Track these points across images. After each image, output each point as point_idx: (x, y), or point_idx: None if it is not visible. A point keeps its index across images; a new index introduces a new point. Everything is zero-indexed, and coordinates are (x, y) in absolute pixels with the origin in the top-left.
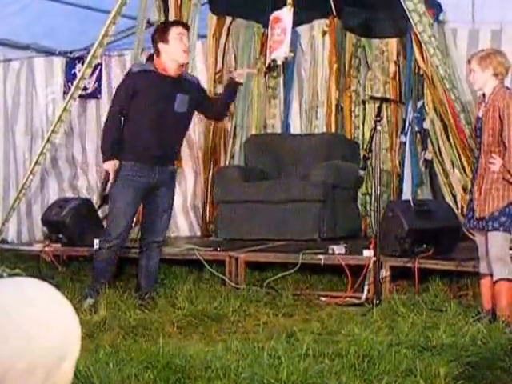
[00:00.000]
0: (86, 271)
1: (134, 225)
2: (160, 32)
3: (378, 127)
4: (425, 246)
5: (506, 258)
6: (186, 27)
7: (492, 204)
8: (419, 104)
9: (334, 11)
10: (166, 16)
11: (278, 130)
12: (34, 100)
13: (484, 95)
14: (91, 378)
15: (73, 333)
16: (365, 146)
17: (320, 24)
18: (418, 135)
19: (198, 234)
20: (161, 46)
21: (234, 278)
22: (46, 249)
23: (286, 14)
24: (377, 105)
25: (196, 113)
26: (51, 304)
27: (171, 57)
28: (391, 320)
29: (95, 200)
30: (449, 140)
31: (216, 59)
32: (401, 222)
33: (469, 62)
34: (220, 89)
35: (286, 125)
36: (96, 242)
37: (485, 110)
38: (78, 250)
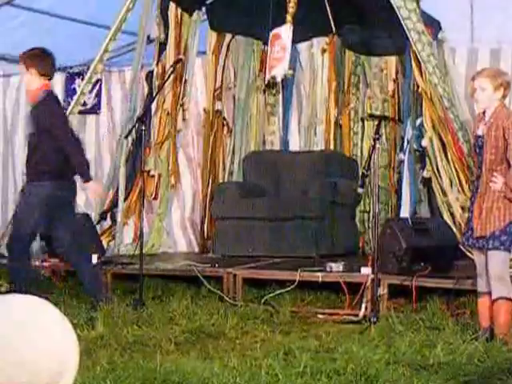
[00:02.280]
0: (83, 287)
1: (132, 241)
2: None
3: (377, 145)
4: (422, 263)
5: (505, 276)
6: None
7: (493, 223)
8: (418, 122)
9: (334, 29)
10: (166, 32)
11: (277, 147)
12: None
13: (484, 113)
14: None
15: (71, 350)
16: (363, 164)
17: (319, 41)
18: (417, 153)
19: (196, 250)
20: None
21: (231, 294)
22: (44, 264)
23: (285, 32)
24: (375, 122)
25: (194, 129)
26: (49, 322)
27: None
28: (389, 338)
29: (94, 215)
30: (447, 158)
31: (215, 76)
32: (399, 239)
33: (473, 79)
34: (219, 105)
35: (284, 142)
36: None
37: (486, 129)
38: None
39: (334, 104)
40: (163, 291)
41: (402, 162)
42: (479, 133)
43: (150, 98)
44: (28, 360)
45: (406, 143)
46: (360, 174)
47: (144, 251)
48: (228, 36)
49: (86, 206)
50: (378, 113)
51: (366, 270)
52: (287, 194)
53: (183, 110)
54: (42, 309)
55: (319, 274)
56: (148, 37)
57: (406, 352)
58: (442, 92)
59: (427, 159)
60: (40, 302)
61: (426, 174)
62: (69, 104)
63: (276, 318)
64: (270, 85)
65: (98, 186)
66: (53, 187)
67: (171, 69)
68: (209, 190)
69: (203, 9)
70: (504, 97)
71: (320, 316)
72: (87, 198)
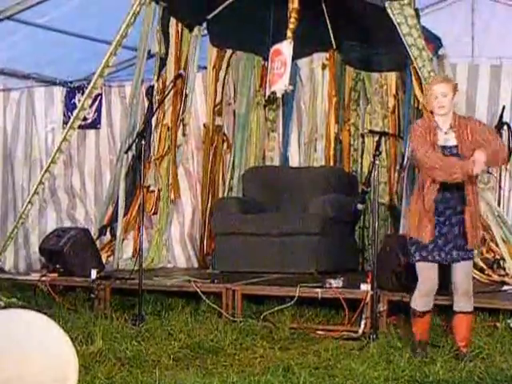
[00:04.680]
0: (82, 301)
1: (131, 256)
2: None
3: (377, 161)
4: None
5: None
6: None
7: (477, 237)
8: None
9: (334, 45)
10: (167, 47)
11: (277, 163)
12: (34, 129)
13: (436, 123)
14: None
15: (70, 364)
16: (363, 180)
17: (320, 57)
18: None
19: (196, 265)
20: None
21: (230, 310)
22: (43, 278)
23: (286, 47)
24: (376, 139)
25: (194, 143)
26: (48, 336)
27: None
28: (388, 354)
29: (93, 230)
30: None
31: (216, 91)
32: (398, 256)
33: (431, 85)
34: (219, 121)
35: (284, 157)
36: (93, 272)
37: (457, 136)
38: (76, 281)
39: (334, 120)
40: (162, 306)
41: (401, 178)
42: (449, 143)
43: (150, 112)
44: (28, 375)
45: (405, 159)
46: (360, 190)
47: (143, 266)
48: (228, 51)
49: (85, 221)
50: (378, 129)
51: (365, 287)
52: (287, 209)
53: (183, 125)
54: (41, 324)
55: (318, 290)
56: (148, 52)
57: (405, 369)
58: None
59: None
60: (39, 317)
61: None
62: (69, 118)
63: (275, 334)
64: (271, 100)
65: None
66: None
67: (171, 84)
68: (208, 205)
69: (204, 24)
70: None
71: (319, 332)
72: (87, 213)
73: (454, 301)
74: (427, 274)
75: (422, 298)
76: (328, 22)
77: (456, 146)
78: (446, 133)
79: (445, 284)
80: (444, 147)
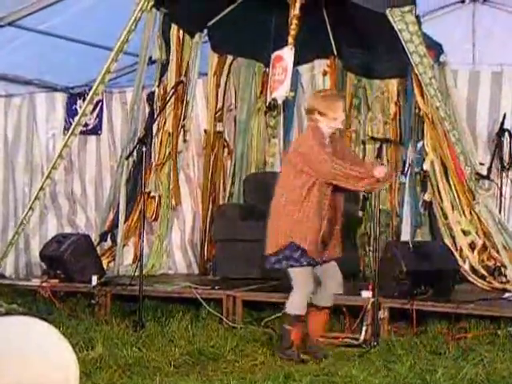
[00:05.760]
0: (83, 307)
1: (132, 262)
2: None
3: None
4: (423, 287)
5: None
6: None
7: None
8: (419, 145)
9: (335, 51)
10: (168, 54)
11: (278, 169)
12: (35, 135)
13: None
14: None
15: (71, 371)
16: None
17: (321, 64)
18: (418, 176)
19: (196, 271)
20: None
21: (231, 316)
22: (44, 284)
23: (287, 54)
24: (377, 145)
25: (195, 150)
26: (49, 343)
27: None
28: (389, 362)
29: (94, 236)
30: (448, 181)
31: (216, 97)
32: (399, 263)
33: (337, 99)
34: (220, 127)
35: None
36: (94, 278)
37: (333, 150)
38: (76, 287)
39: None
40: (163, 313)
41: (403, 184)
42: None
43: (151, 118)
44: (28, 381)
45: (407, 166)
46: (361, 196)
47: (144, 272)
48: (229, 58)
49: (86, 227)
50: (379, 135)
51: (366, 294)
52: None
53: (184, 131)
54: (41, 330)
55: None
56: (149, 58)
57: (406, 376)
58: (444, 115)
59: (428, 182)
60: (40, 322)
61: (427, 197)
62: (70, 124)
63: (275, 341)
64: (271, 107)
65: None
66: None
67: (172, 90)
68: (209, 211)
69: (205, 31)
70: None
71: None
72: (88, 219)
73: (323, 297)
74: (310, 277)
75: (305, 301)
76: (329, 28)
77: None
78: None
79: (445, 291)
80: None
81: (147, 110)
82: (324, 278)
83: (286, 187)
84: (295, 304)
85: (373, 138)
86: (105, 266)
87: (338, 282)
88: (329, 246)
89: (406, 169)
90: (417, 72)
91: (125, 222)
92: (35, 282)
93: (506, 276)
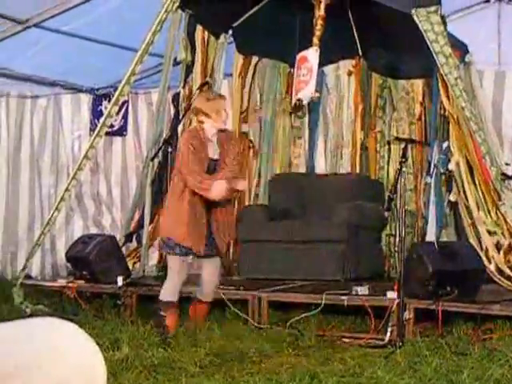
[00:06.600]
0: (108, 308)
1: (157, 263)
2: None
3: (403, 168)
4: (449, 288)
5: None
6: None
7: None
8: (444, 145)
9: (360, 52)
10: (193, 55)
11: (303, 170)
12: (61, 136)
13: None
14: None
15: (98, 372)
16: (389, 187)
17: (346, 64)
18: (443, 176)
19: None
20: None
21: (256, 317)
22: (70, 285)
23: (312, 54)
24: (402, 146)
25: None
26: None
27: None
28: (414, 363)
29: (119, 237)
30: (474, 181)
31: (242, 98)
32: (425, 263)
33: (217, 99)
34: (245, 128)
35: (310, 164)
36: (119, 279)
37: (220, 152)
38: (102, 287)
39: (361, 127)
40: (187, 313)
41: (428, 185)
42: (215, 156)
43: (176, 119)
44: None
45: (432, 166)
46: (386, 197)
47: None
48: (254, 59)
49: (111, 228)
50: (404, 136)
51: (391, 294)
52: (313, 216)
53: None
54: (68, 331)
55: (344, 297)
56: (175, 59)
57: (432, 377)
58: (469, 115)
59: (454, 182)
60: (66, 324)
61: (452, 197)
62: (95, 125)
63: (301, 342)
64: (296, 107)
65: None
66: None
67: (198, 91)
68: (234, 212)
69: (230, 31)
70: None
71: (345, 340)
72: (113, 220)
73: (202, 292)
74: (184, 266)
75: (176, 289)
76: (354, 28)
77: (217, 160)
78: (214, 146)
79: (470, 292)
80: (213, 160)
81: (172, 111)
82: (203, 274)
83: (174, 178)
84: (167, 291)
85: (398, 139)
86: (130, 267)
87: (212, 280)
88: (208, 241)
89: (432, 169)
90: (442, 72)
91: (150, 223)
92: (61, 282)
93: None
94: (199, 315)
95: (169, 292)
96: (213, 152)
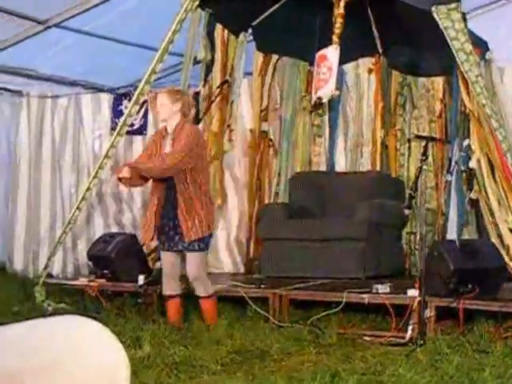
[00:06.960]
0: (130, 307)
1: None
2: None
3: (424, 166)
4: (470, 286)
5: (203, 276)
6: None
7: (198, 229)
8: (465, 143)
9: (380, 49)
10: (213, 54)
11: (323, 168)
12: (81, 136)
13: (166, 129)
14: None
15: (122, 370)
16: (410, 185)
17: (366, 62)
18: (464, 174)
19: (242, 270)
20: None
21: (277, 315)
22: (91, 283)
23: (331, 53)
24: (422, 143)
25: (240, 150)
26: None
27: None
28: (436, 361)
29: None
30: (495, 179)
31: (262, 96)
32: (446, 261)
33: (156, 96)
34: (265, 126)
35: (330, 162)
36: (141, 277)
37: (171, 144)
38: (123, 286)
39: (381, 125)
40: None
41: (449, 183)
42: (168, 149)
43: (196, 118)
44: (80, 382)
45: (453, 164)
46: (407, 195)
47: None
48: (274, 57)
49: (132, 227)
50: (424, 134)
51: (412, 292)
52: (333, 215)
53: (229, 131)
54: (91, 329)
55: (365, 295)
56: (195, 58)
57: (453, 375)
58: (490, 113)
59: (475, 180)
60: (90, 322)
61: (473, 195)
62: (116, 125)
63: (322, 340)
64: (316, 106)
65: None
66: None
67: (218, 90)
68: (255, 210)
69: (249, 30)
70: (184, 115)
71: (366, 338)
72: (134, 219)
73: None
74: (166, 259)
75: (166, 281)
76: (374, 26)
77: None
78: (172, 139)
79: (492, 290)
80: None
81: (192, 110)
82: None
83: None
84: (162, 285)
85: (418, 137)
86: (151, 265)
87: (189, 275)
88: (174, 235)
89: (452, 167)
90: (463, 70)
91: None
92: (82, 281)
93: None
94: (203, 311)
95: (163, 287)
96: (168, 146)
